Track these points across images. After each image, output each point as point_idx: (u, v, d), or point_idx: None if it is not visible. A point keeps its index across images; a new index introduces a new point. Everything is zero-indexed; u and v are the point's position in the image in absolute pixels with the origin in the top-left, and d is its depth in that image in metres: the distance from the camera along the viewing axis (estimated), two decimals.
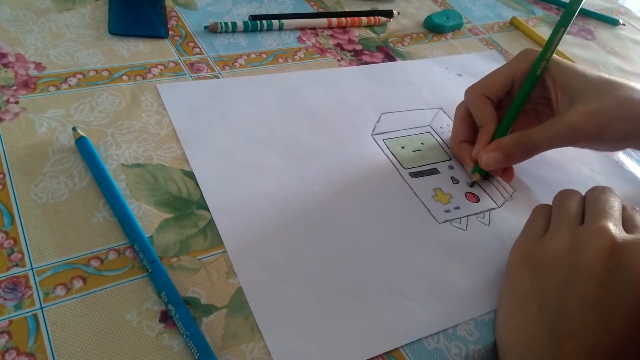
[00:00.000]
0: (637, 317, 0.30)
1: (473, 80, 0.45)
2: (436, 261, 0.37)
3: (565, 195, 0.38)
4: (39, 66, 0.43)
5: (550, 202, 0.38)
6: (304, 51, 0.53)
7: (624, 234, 0.33)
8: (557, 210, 0.37)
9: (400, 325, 0.33)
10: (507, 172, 0.43)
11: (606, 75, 0.41)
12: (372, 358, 0.31)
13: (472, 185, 0.44)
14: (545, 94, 0.43)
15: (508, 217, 0.42)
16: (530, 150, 0.40)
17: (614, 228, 0.33)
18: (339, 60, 0.54)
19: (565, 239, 0.34)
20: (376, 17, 0.60)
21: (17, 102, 0.40)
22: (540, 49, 0.43)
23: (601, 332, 0.30)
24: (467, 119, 0.44)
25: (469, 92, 0.44)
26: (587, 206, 0.36)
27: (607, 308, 0.31)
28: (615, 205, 0.35)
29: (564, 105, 0.40)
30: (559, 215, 0.36)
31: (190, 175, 0.38)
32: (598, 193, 0.37)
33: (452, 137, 0.46)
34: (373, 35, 0.59)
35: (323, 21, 0.57)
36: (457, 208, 0.41)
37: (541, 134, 0.40)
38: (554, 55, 0.42)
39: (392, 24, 0.62)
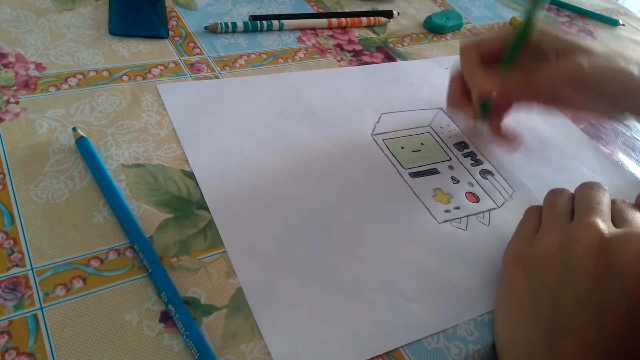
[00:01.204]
0: (631, 312, 0.30)
1: None
2: (436, 261, 0.37)
3: (554, 194, 0.38)
4: (39, 66, 0.43)
5: None
6: (304, 51, 0.53)
7: (613, 228, 0.33)
8: (547, 210, 0.37)
9: (399, 325, 0.33)
10: (514, 141, 0.44)
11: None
12: (372, 358, 0.31)
13: (477, 120, 0.45)
14: (539, 54, 0.42)
15: (508, 217, 0.42)
16: (529, 83, 0.40)
17: (602, 223, 0.33)
18: (339, 61, 0.54)
19: (555, 238, 0.34)
20: (376, 17, 0.60)
21: (17, 103, 0.40)
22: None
23: (596, 330, 0.30)
24: (459, 77, 0.45)
25: (463, 46, 0.44)
26: (576, 203, 0.36)
27: (600, 304, 0.30)
28: (604, 200, 0.35)
29: (562, 57, 0.41)
30: (549, 214, 0.36)
31: (190, 175, 0.38)
32: (587, 189, 0.37)
33: (447, 97, 0.46)
34: (373, 35, 0.59)
35: (323, 21, 0.57)
36: (457, 208, 0.41)
37: (544, 70, 0.40)
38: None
39: (392, 25, 0.62)
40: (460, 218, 0.41)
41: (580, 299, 0.31)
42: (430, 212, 0.40)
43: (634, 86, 0.40)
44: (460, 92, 0.45)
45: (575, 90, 0.40)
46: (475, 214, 0.41)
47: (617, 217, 0.35)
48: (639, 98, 0.41)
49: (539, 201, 0.42)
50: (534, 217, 0.37)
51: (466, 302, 0.35)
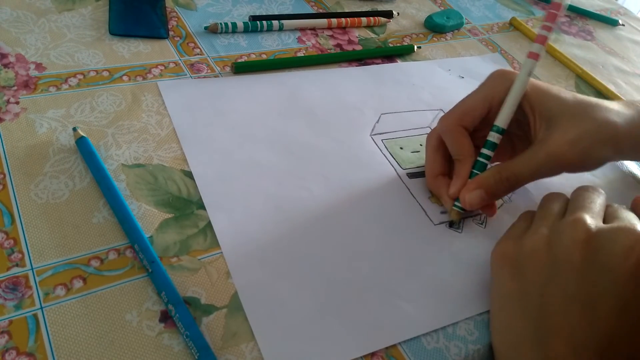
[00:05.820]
0: (622, 309, 0.29)
1: (476, 83, 0.44)
2: (431, 262, 0.37)
3: (550, 197, 0.37)
4: (39, 66, 0.43)
5: None
6: (304, 52, 0.53)
7: (600, 224, 0.32)
8: (539, 211, 0.36)
9: (392, 324, 0.33)
10: (489, 207, 0.40)
11: (581, 96, 0.40)
12: (372, 358, 0.31)
13: (451, 225, 0.40)
14: (519, 117, 0.40)
15: (505, 220, 0.42)
16: (513, 184, 0.38)
17: (590, 219, 0.32)
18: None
19: (543, 235, 0.33)
20: (376, 17, 0.60)
21: (17, 103, 0.40)
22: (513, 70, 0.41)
23: (586, 328, 0.29)
24: (441, 149, 0.41)
25: (445, 122, 0.41)
26: (569, 203, 0.36)
27: (589, 301, 0.30)
28: (597, 200, 0.35)
29: (542, 130, 0.39)
30: (541, 215, 0.36)
31: (191, 175, 0.38)
32: (582, 191, 0.36)
33: (427, 170, 0.42)
34: (373, 35, 0.59)
35: (323, 22, 0.57)
36: None
37: (523, 167, 0.38)
38: (530, 78, 0.40)
39: (392, 25, 0.62)
40: None
41: (568, 296, 0.30)
42: (426, 213, 0.41)
43: (624, 142, 0.39)
44: (441, 166, 0.41)
45: (558, 173, 0.39)
46: (472, 216, 0.41)
47: (609, 217, 0.34)
48: (634, 149, 0.40)
49: (538, 204, 0.42)
50: (526, 219, 0.37)
51: (460, 302, 0.35)
